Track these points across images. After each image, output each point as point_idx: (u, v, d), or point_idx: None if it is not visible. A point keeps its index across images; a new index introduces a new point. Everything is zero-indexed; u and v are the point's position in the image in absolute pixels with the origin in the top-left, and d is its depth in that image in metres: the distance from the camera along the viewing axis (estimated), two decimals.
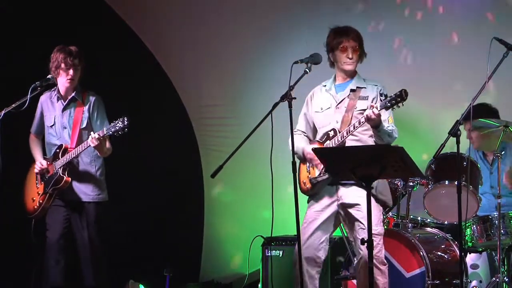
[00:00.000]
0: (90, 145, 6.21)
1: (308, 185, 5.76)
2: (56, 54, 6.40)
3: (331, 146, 5.66)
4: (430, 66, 7.44)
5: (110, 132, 6.15)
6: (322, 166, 5.66)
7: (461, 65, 7.31)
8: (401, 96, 5.29)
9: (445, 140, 5.56)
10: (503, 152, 6.26)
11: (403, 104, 5.33)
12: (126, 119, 6.12)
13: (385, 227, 6.62)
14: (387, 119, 5.56)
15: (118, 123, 6.14)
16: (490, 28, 6.83)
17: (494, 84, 5.64)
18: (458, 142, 5.44)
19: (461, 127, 5.55)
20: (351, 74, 5.81)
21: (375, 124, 5.48)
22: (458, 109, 6.29)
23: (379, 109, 5.38)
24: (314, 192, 5.76)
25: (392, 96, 5.33)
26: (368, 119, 5.44)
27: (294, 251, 5.76)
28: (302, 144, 5.83)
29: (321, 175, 5.69)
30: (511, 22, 7.04)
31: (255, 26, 8.00)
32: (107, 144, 6.36)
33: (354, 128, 5.55)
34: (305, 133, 5.93)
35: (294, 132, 5.81)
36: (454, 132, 5.42)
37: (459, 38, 7.32)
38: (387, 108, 5.37)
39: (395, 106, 5.34)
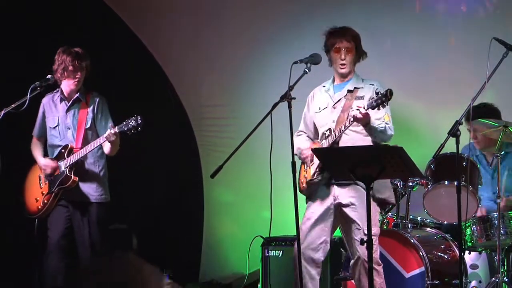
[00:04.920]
0: (105, 141, 6.19)
1: (304, 185, 5.81)
2: (62, 56, 6.35)
3: (325, 145, 5.70)
4: (429, 65, 7.44)
5: (122, 130, 6.14)
6: (315, 166, 5.69)
7: (460, 65, 7.31)
8: (386, 95, 5.32)
9: (445, 140, 5.57)
10: (502, 153, 6.25)
11: (387, 104, 5.35)
12: (139, 118, 6.10)
13: (385, 227, 6.63)
14: (383, 117, 5.58)
15: (130, 121, 6.11)
16: (490, 28, 6.82)
17: (494, 84, 5.63)
18: (457, 142, 5.44)
19: (463, 128, 5.55)
20: (348, 75, 5.82)
21: (364, 122, 5.52)
22: (458, 109, 6.29)
23: (366, 108, 5.41)
24: (310, 192, 5.78)
25: (378, 95, 5.36)
26: (355, 119, 5.47)
27: (293, 252, 5.76)
28: (300, 144, 5.87)
29: (315, 176, 5.71)
30: (510, 22, 7.04)
31: (255, 26, 7.99)
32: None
33: (345, 127, 5.58)
34: (305, 133, 5.97)
35: (296, 134, 5.88)
36: (453, 132, 5.42)
37: (458, 37, 7.32)
38: (373, 108, 5.39)
39: (380, 106, 5.35)
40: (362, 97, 5.73)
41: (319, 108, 5.86)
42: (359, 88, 5.78)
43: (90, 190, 6.41)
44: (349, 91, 5.78)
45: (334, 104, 5.79)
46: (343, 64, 5.78)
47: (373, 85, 5.77)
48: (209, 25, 8.13)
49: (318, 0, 7.68)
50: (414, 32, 7.48)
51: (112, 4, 8.25)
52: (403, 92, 7.41)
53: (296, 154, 5.69)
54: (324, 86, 5.92)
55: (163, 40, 8.37)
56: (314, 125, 5.93)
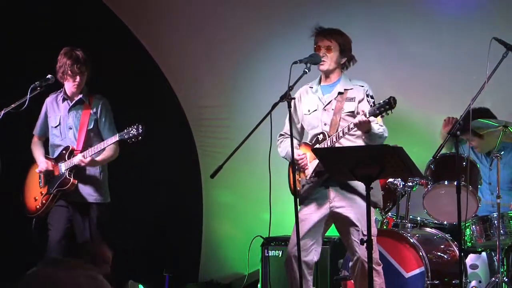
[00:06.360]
0: (108, 146, 6.23)
1: (298, 187, 5.74)
2: (63, 59, 6.38)
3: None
4: (429, 66, 7.44)
5: (123, 138, 6.16)
6: (311, 168, 5.67)
7: (460, 64, 7.31)
8: (390, 103, 5.29)
9: (445, 140, 5.57)
10: (502, 152, 6.26)
11: (391, 112, 5.32)
12: (140, 127, 6.12)
13: (385, 227, 6.63)
14: (376, 119, 5.55)
15: (132, 130, 6.14)
16: (490, 28, 6.82)
17: (494, 84, 5.63)
18: (457, 142, 5.44)
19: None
20: (332, 75, 5.79)
21: (366, 129, 5.50)
22: (458, 109, 6.30)
23: (367, 116, 5.39)
24: (305, 195, 5.75)
25: (381, 103, 5.33)
26: (359, 125, 5.46)
27: (287, 251, 5.75)
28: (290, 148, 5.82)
29: (311, 178, 5.69)
30: (510, 21, 7.04)
31: (254, 27, 7.99)
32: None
33: (343, 133, 5.56)
34: (288, 135, 5.88)
35: (280, 136, 5.89)
36: (453, 132, 5.42)
37: (458, 38, 7.32)
38: (375, 116, 5.37)
39: (384, 113, 5.34)
40: (352, 99, 5.71)
41: (309, 110, 5.82)
42: (348, 89, 5.76)
43: (90, 191, 6.43)
44: (339, 93, 5.75)
45: (325, 106, 5.76)
46: (323, 62, 5.74)
47: (362, 86, 5.74)
48: (208, 26, 8.13)
49: (319, 2, 7.68)
50: (413, 33, 7.48)
51: (111, 4, 8.25)
52: (403, 92, 7.41)
53: (285, 158, 5.70)
54: (311, 88, 5.87)
55: (161, 41, 8.37)
56: (301, 126, 5.92)
